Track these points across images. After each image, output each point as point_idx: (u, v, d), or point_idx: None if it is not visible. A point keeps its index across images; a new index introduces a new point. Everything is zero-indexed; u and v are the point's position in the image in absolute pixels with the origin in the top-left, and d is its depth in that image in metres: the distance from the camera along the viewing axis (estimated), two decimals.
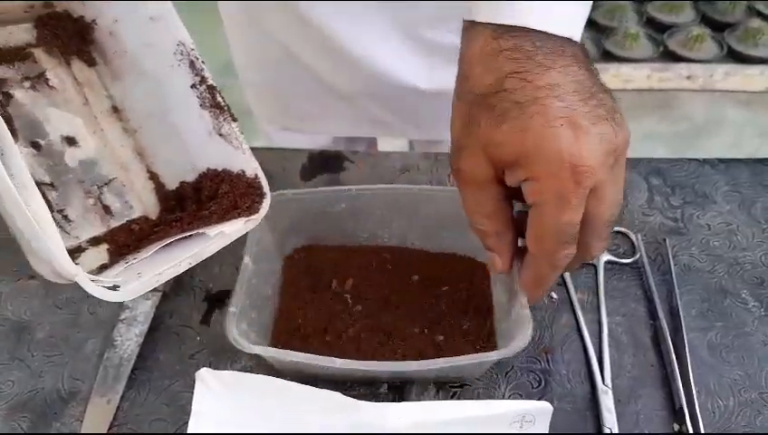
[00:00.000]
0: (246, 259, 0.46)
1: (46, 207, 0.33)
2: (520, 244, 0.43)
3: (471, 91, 0.38)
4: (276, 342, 0.48)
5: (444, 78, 0.40)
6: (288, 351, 0.42)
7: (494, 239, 0.42)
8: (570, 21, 0.37)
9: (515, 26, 0.36)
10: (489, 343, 0.48)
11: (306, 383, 0.41)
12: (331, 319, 0.49)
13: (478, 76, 0.38)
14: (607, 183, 0.37)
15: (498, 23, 0.37)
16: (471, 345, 0.47)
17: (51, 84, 0.43)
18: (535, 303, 0.44)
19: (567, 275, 0.53)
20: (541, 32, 0.36)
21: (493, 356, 0.41)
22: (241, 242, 0.48)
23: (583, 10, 0.39)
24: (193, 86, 0.44)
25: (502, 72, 0.36)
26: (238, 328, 0.42)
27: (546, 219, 0.37)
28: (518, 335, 0.41)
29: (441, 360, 0.41)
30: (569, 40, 0.37)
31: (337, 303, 0.51)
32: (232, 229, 0.42)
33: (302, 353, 0.41)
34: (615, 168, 0.37)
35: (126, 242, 0.44)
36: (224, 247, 0.55)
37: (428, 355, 0.46)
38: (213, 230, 0.42)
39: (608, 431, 0.44)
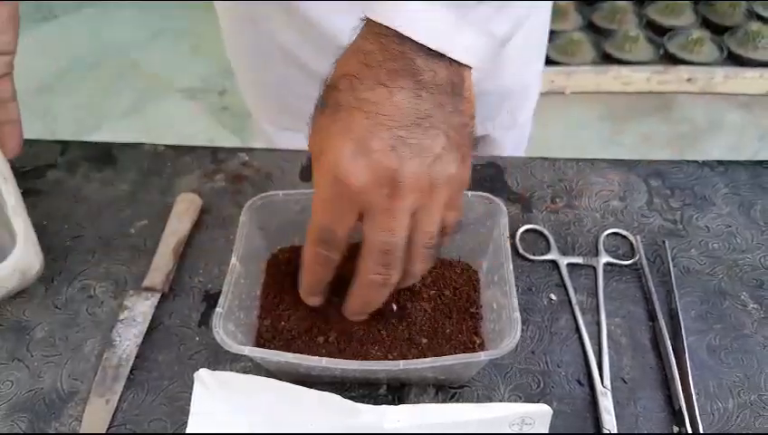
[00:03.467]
0: (234, 260, 0.47)
1: None
2: None
3: (328, 76, 0.40)
4: (261, 342, 0.48)
5: None
6: (274, 351, 0.42)
7: None
8: (461, 37, 0.37)
9: (396, 31, 0.37)
10: (476, 346, 0.47)
11: (302, 385, 0.41)
12: (315, 320, 0.49)
13: (336, 66, 0.39)
14: (377, 211, 0.38)
15: (374, 19, 0.38)
16: (455, 349, 0.47)
17: None
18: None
19: (566, 277, 0.53)
20: (417, 45, 0.36)
21: (480, 357, 0.41)
22: None
23: (484, 38, 0.39)
24: None
25: (345, 69, 0.38)
26: (225, 328, 0.42)
27: (312, 217, 0.41)
28: (507, 337, 0.41)
29: (428, 360, 0.41)
30: (443, 64, 0.37)
31: (321, 303, 0.50)
32: None
33: (288, 353, 0.42)
34: (392, 200, 0.38)
35: None
36: (222, 248, 0.56)
37: (412, 357, 0.46)
38: None
39: (607, 433, 0.44)
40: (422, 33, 0.36)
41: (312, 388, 0.41)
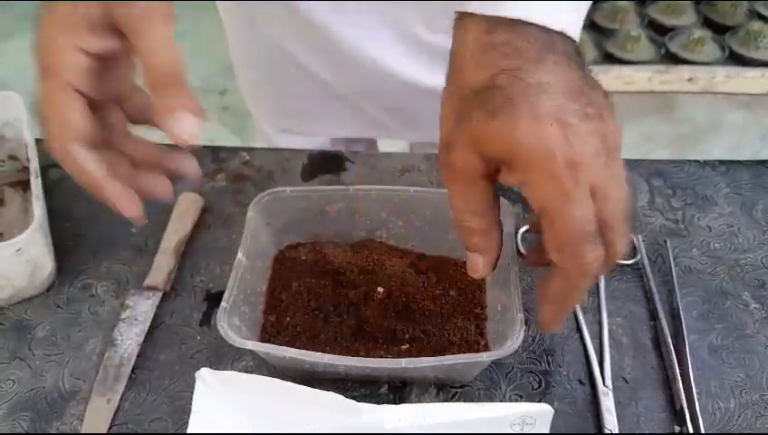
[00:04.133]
0: (240, 255, 0.47)
1: None
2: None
3: (464, 85, 0.38)
4: (266, 338, 0.48)
5: (443, 79, 0.40)
6: (276, 346, 0.42)
7: (481, 238, 0.41)
8: (565, 15, 0.38)
9: (507, 19, 0.37)
10: (480, 346, 0.47)
11: (305, 383, 0.41)
12: (320, 317, 0.49)
13: (471, 71, 0.38)
14: (604, 179, 0.36)
15: (491, 14, 0.37)
16: (459, 348, 0.47)
17: None
18: (559, 322, 0.41)
19: None
20: (533, 25, 0.37)
21: (482, 357, 0.41)
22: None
23: (581, 5, 0.39)
24: None
25: (495, 67, 0.37)
26: (229, 323, 0.43)
27: (560, 222, 0.36)
28: (510, 338, 0.41)
29: (430, 359, 0.41)
30: (561, 35, 0.37)
31: (326, 301, 0.50)
32: None
33: (291, 349, 0.42)
34: (609, 164, 0.36)
35: None
36: (224, 248, 0.56)
37: (417, 356, 0.46)
38: None
39: (608, 433, 0.44)
40: (537, 13, 0.37)
41: (314, 386, 0.41)
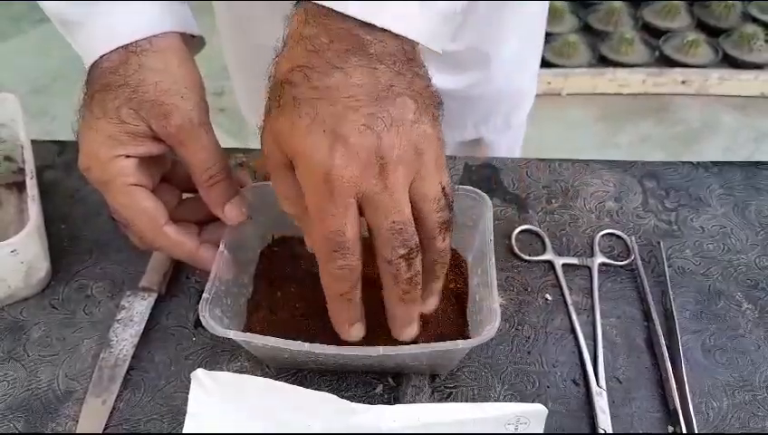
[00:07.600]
0: (221, 247, 0.47)
1: None
2: None
3: (275, 73, 0.38)
4: (251, 329, 0.48)
5: (438, 79, 0.40)
6: (257, 335, 0.43)
7: (299, 221, 0.42)
8: (400, 14, 0.36)
9: (325, 8, 0.36)
10: (463, 336, 0.48)
11: (297, 380, 0.41)
12: (305, 309, 0.50)
13: (281, 60, 0.37)
14: (375, 192, 0.36)
15: (316, 2, 0.36)
16: (442, 337, 0.47)
17: None
18: (338, 325, 0.43)
19: (562, 277, 0.54)
20: (350, 19, 0.35)
21: (458, 345, 0.42)
22: None
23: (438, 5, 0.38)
24: None
25: (294, 61, 0.36)
26: (211, 313, 0.43)
27: (312, 229, 0.38)
28: (486, 328, 0.42)
29: (406, 347, 0.41)
30: (386, 33, 0.36)
31: (312, 293, 0.51)
32: None
33: (270, 338, 0.42)
34: (384, 178, 0.36)
35: None
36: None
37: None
38: None
39: (602, 433, 0.44)
40: (355, 7, 0.35)
41: (308, 386, 0.41)
